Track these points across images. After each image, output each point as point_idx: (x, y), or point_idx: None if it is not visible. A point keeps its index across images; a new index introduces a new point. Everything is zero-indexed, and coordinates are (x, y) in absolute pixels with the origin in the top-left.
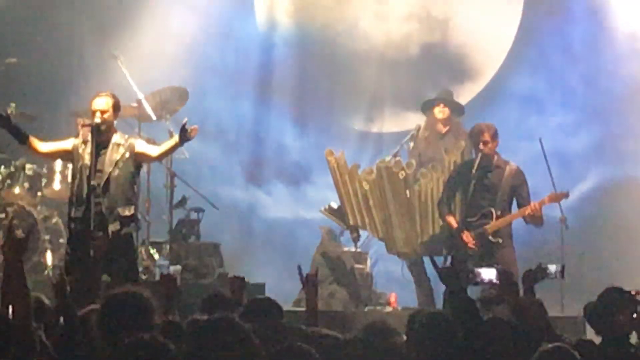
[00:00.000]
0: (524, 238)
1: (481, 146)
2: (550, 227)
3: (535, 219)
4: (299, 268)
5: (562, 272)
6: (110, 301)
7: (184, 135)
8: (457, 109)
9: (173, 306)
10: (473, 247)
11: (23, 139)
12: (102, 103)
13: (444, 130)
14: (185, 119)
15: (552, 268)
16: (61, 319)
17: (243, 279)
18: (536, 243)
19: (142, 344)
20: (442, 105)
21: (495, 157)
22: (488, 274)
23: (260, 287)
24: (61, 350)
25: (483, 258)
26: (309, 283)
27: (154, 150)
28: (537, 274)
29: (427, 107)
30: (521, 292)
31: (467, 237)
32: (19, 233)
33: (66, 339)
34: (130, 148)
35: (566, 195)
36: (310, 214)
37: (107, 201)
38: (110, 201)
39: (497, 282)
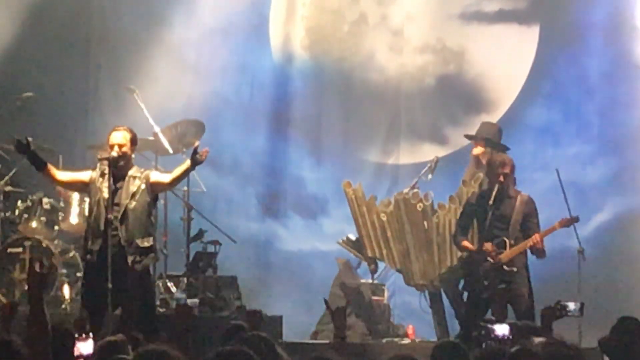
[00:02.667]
0: (542, 269)
1: (501, 178)
2: (567, 258)
3: (538, 252)
4: (326, 301)
5: (581, 309)
6: (141, 357)
7: (195, 159)
8: (492, 145)
9: (189, 337)
10: (493, 257)
11: (41, 166)
12: (119, 137)
13: (484, 162)
14: (197, 143)
15: (572, 306)
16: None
17: (260, 312)
18: (553, 274)
19: None
20: (475, 142)
21: (510, 188)
22: (501, 329)
23: (277, 319)
24: None
25: (498, 287)
26: (339, 315)
27: (167, 177)
28: (557, 312)
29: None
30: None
31: (486, 247)
32: (40, 267)
33: None
34: (146, 179)
35: (576, 220)
36: (327, 246)
37: (125, 233)
38: (129, 233)
39: (510, 337)
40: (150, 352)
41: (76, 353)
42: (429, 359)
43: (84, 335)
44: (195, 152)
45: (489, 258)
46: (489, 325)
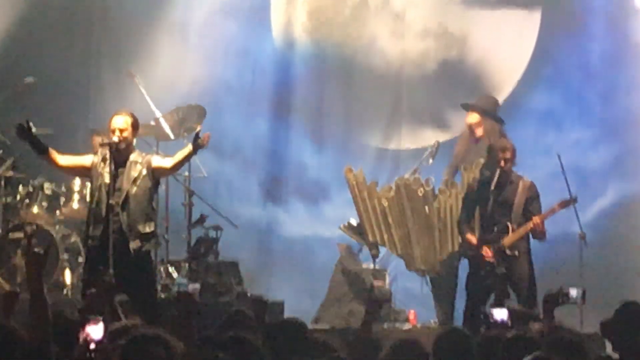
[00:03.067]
0: (543, 254)
1: (502, 163)
2: (569, 243)
3: (539, 234)
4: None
5: (583, 296)
6: (133, 341)
7: (197, 143)
8: (488, 115)
9: (192, 324)
10: (492, 260)
11: (42, 150)
12: (121, 122)
13: (478, 134)
14: (199, 127)
15: (574, 292)
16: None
17: (265, 301)
18: (555, 259)
19: None
20: (470, 110)
21: (511, 173)
22: (500, 314)
23: (279, 305)
24: None
25: (502, 273)
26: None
27: (168, 162)
28: (559, 299)
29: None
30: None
31: (486, 251)
32: (38, 248)
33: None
34: (147, 164)
35: (575, 200)
36: (328, 231)
37: (126, 219)
38: (130, 219)
39: (509, 322)
40: (142, 336)
41: (87, 337)
42: (433, 345)
43: (94, 319)
44: (197, 137)
45: (487, 259)
46: (488, 310)
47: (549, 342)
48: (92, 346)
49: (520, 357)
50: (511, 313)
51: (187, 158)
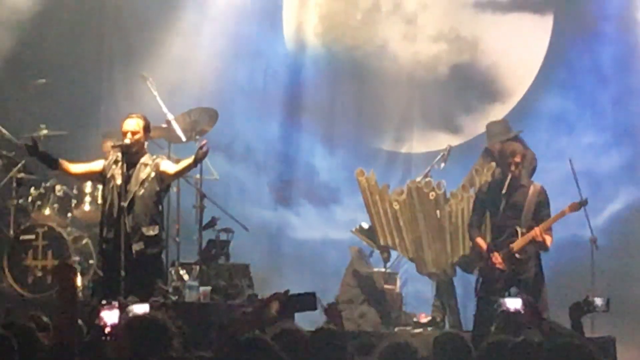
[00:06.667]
0: (555, 258)
1: (513, 168)
2: (580, 247)
3: (538, 245)
4: (314, 295)
5: (607, 304)
6: (130, 325)
7: (198, 155)
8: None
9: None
10: (502, 267)
11: (53, 164)
12: (132, 124)
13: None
14: (205, 140)
15: (598, 301)
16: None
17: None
18: (566, 263)
19: None
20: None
21: (522, 177)
22: (513, 303)
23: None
24: None
25: (511, 277)
26: (332, 312)
27: (172, 169)
28: (584, 308)
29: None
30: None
31: (496, 258)
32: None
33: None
34: (156, 167)
35: (585, 203)
36: (339, 234)
37: (131, 220)
38: (135, 220)
39: (523, 311)
40: (139, 319)
41: (101, 322)
42: (432, 349)
43: (110, 305)
44: (199, 149)
45: (498, 265)
46: (500, 300)
47: (551, 346)
48: (107, 330)
49: None
50: (526, 302)
51: (187, 169)
